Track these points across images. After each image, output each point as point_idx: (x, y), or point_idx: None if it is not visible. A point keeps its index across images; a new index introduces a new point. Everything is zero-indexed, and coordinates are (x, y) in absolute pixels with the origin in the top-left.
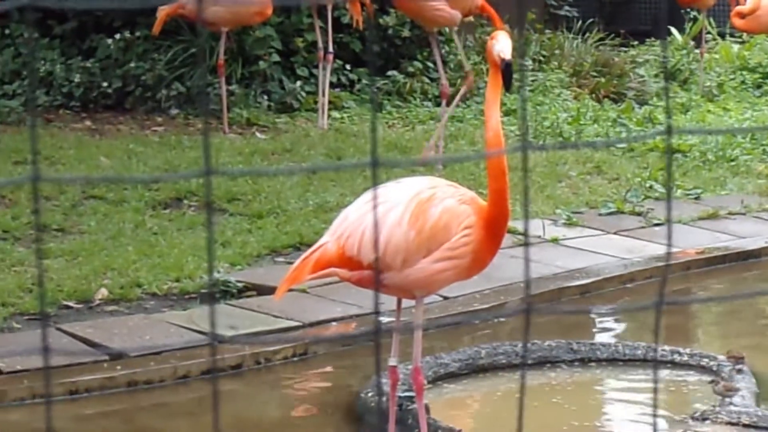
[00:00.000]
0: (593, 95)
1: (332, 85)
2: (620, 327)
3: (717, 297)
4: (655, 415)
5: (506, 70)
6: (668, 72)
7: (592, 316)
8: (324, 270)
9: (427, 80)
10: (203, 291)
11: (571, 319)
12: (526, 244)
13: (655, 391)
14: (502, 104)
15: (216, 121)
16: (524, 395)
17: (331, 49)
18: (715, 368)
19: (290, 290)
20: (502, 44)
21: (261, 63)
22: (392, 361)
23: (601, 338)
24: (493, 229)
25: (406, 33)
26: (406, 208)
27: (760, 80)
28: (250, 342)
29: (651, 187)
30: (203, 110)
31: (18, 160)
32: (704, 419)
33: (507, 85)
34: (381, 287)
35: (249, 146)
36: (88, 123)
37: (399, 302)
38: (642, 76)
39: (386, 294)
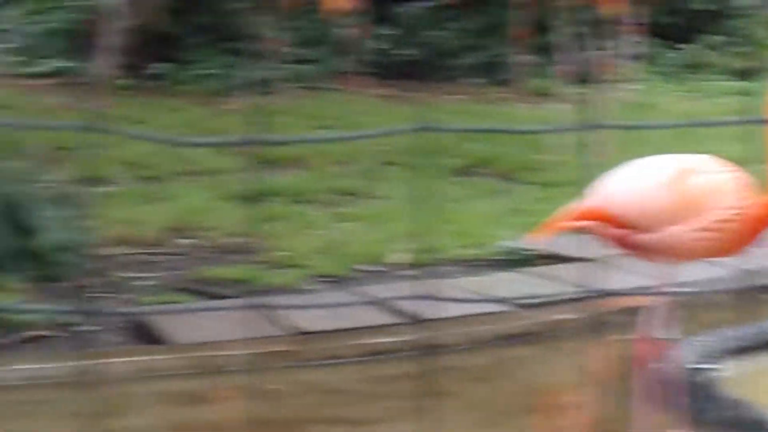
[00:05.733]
0: None
1: (622, 57)
2: None
3: None
4: None
5: None
6: None
7: None
8: (585, 222)
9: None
10: (497, 258)
11: None
12: None
13: None
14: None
15: (508, 90)
16: None
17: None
18: None
19: (582, 260)
20: None
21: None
22: (656, 333)
23: None
24: (760, 226)
25: (697, 5)
26: (670, 173)
27: None
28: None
29: None
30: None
31: (321, 125)
32: None
33: None
34: (635, 248)
35: (546, 116)
36: (381, 90)
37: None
38: None
39: (640, 257)
